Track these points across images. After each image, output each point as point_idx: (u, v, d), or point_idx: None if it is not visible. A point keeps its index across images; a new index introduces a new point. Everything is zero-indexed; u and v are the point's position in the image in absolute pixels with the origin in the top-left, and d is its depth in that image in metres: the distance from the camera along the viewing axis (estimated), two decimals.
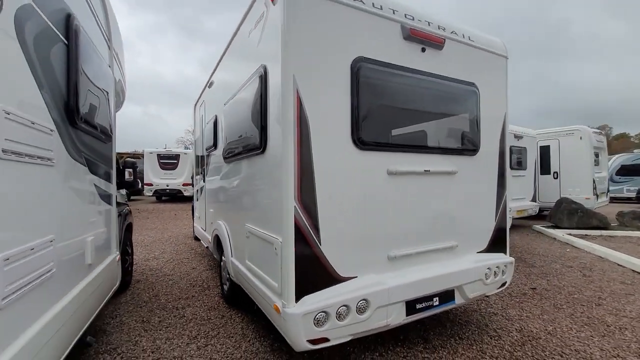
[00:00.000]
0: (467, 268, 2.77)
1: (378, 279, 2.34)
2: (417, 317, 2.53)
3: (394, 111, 2.60)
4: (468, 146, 2.98)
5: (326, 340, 2.11)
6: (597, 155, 10.04)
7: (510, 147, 8.72)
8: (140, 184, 4.39)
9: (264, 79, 2.36)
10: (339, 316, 2.13)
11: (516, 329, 3.18)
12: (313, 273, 2.13)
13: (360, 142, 2.31)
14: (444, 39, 2.74)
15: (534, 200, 9.48)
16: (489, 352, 2.76)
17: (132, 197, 18.53)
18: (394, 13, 2.48)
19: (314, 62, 2.14)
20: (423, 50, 2.64)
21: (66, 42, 1.85)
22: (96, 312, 2.45)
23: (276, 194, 2.18)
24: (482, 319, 3.41)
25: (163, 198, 17.54)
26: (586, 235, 7.63)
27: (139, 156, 19.56)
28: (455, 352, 2.77)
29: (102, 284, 2.50)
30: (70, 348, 1.93)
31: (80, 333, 2.13)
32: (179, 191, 16.19)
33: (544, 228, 8.54)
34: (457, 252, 2.87)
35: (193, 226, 7.18)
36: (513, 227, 9.59)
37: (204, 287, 4.36)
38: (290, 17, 2.04)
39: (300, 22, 2.07)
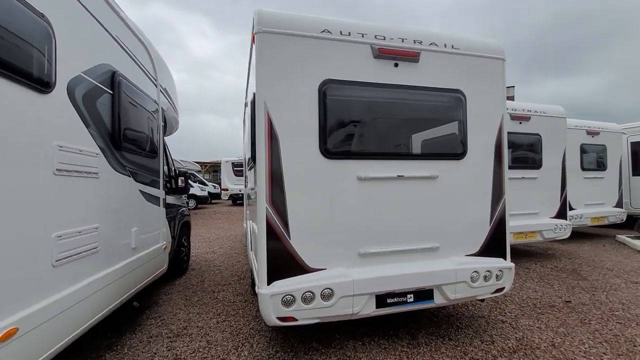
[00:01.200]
0: (447, 269, 2.86)
1: (345, 272, 2.65)
2: (388, 310, 2.75)
3: (363, 123, 2.89)
4: (451, 151, 3.06)
5: (294, 319, 2.52)
6: None
7: (581, 145, 7.70)
8: (189, 190, 5.40)
9: (252, 105, 2.91)
10: (305, 300, 2.52)
11: (516, 338, 3.08)
12: (283, 262, 2.57)
13: (328, 152, 2.68)
14: (419, 52, 2.92)
15: (619, 205, 8.12)
16: (470, 355, 2.80)
17: (212, 201, 21.24)
18: (363, 36, 2.79)
19: (283, 88, 2.60)
20: (396, 65, 2.88)
21: (111, 92, 2.69)
22: (142, 284, 3.30)
23: (258, 197, 2.69)
24: (484, 325, 3.36)
25: (237, 202, 19.64)
26: None
27: (219, 164, 22.27)
28: (437, 350, 2.88)
29: (146, 263, 3.35)
30: (116, 304, 2.74)
31: (126, 297, 2.95)
32: None
33: (629, 239, 7.29)
34: (440, 253, 2.97)
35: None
36: (587, 235, 8.38)
37: (240, 277, 5.11)
38: (260, 54, 2.55)
39: (268, 58, 2.56)
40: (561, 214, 6.13)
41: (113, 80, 2.71)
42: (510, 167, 5.52)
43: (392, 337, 3.12)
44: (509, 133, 5.51)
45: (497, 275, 3.03)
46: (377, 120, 2.93)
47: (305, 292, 2.52)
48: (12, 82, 1.67)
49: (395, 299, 2.77)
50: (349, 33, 2.76)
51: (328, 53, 2.71)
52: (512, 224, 5.46)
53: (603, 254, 6.40)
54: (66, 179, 2.08)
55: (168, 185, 4.71)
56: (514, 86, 26.69)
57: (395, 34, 2.89)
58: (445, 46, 3.02)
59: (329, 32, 2.71)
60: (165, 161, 4.79)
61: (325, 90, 2.68)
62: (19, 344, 1.63)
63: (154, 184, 3.64)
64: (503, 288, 3.08)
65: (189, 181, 5.08)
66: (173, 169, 4.97)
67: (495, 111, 3.18)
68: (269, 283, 2.53)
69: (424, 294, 2.85)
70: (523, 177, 5.83)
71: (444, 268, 2.86)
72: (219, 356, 2.84)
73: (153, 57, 3.65)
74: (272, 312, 2.48)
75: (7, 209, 1.64)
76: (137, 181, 3.18)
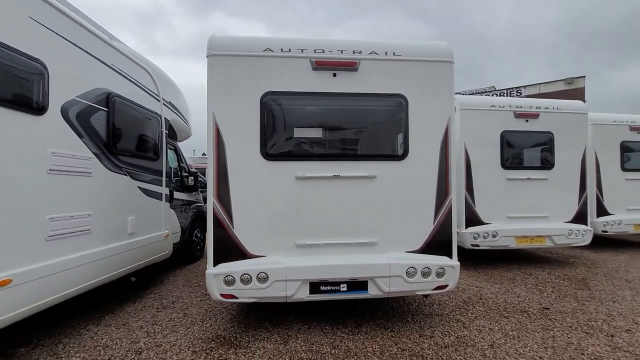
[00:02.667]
0: (380, 263, 3.05)
1: (280, 260, 3.02)
2: (322, 297, 3.05)
3: (303, 128, 3.23)
4: (391, 152, 3.23)
5: (234, 297, 2.98)
6: None
7: (622, 143, 6.88)
8: (199, 188, 6.15)
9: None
10: (243, 281, 2.95)
11: (458, 336, 3.14)
12: (227, 248, 3.04)
13: (268, 155, 3.08)
14: (358, 61, 3.16)
15: None
16: (400, 345, 2.96)
17: None
18: (302, 51, 3.13)
19: (229, 101, 3.07)
20: (334, 75, 3.16)
21: (106, 109, 3.43)
22: (140, 263, 4.04)
23: (207, 192, 3.15)
24: (435, 321, 3.44)
25: None
26: None
27: None
28: (372, 338, 3.09)
29: (144, 246, 4.08)
30: (111, 276, 3.48)
31: (122, 271, 3.69)
32: None
33: None
34: (378, 248, 3.17)
35: None
36: (630, 244, 7.39)
37: None
38: (210, 73, 3.05)
39: (216, 76, 3.05)
40: (579, 218, 5.63)
41: (108, 100, 3.45)
42: (510, 168, 5.35)
43: (339, 324, 3.38)
44: (508, 132, 5.36)
45: (437, 273, 3.12)
46: (316, 125, 3.25)
47: (243, 274, 2.95)
48: (12, 110, 2.40)
49: (329, 287, 3.05)
50: (289, 49, 3.13)
51: (269, 68, 3.11)
52: (514, 227, 5.27)
53: (635, 265, 5.69)
54: (58, 176, 2.81)
55: (179, 183, 5.51)
56: (584, 76, 23.77)
57: (334, 47, 3.18)
58: (386, 54, 3.21)
59: (270, 50, 3.11)
60: (177, 162, 5.60)
61: (266, 101, 3.09)
62: (12, 291, 2.34)
63: (154, 181, 4.38)
64: (446, 285, 3.16)
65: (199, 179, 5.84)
66: (186, 169, 5.77)
67: (441, 113, 3.26)
68: (214, 265, 3.02)
69: (358, 285, 3.08)
70: (529, 178, 5.50)
71: (377, 262, 3.06)
72: (187, 325, 3.41)
73: (155, 78, 4.41)
74: (215, 289, 2.96)
75: (11, 196, 2.38)
76: (135, 179, 3.93)
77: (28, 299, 2.49)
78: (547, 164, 5.62)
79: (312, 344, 2.99)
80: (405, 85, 3.23)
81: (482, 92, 25.18)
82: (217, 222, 3.03)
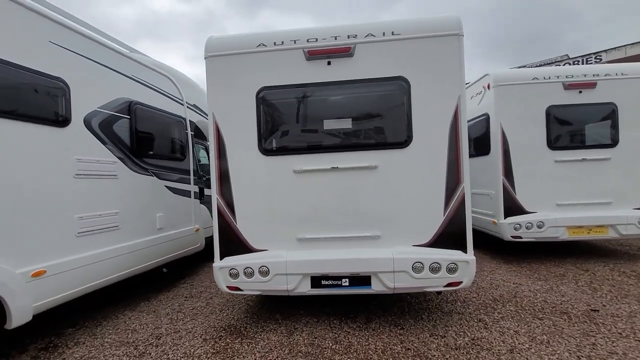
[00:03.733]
0: (383, 257, 2.90)
1: (281, 254, 3.05)
2: (324, 291, 3.01)
3: (299, 121, 3.16)
4: (393, 140, 3.02)
5: (239, 289, 3.09)
6: None
7: None
8: None
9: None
10: (246, 274, 3.05)
11: (474, 337, 2.86)
12: (232, 243, 3.15)
13: (266, 150, 3.11)
14: (352, 46, 3.00)
15: None
16: (405, 344, 2.80)
17: None
18: (295, 42, 3.07)
19: (227, 100, 3.14)
20: (329, 63, 3.05)
21: (128, 117, 3.77)
22: (171, 255, 4.41)
23: (212, 190, 3.27)
24: (455, 320, 3.19)
25: None
26: None
27: None
28: (379, 335, 2.98)
29: (174, 240, 4.44)
30: (142, 267, 3.86)
31: (154, 262, 4.06)
32: None
33: None
34: (381, 242, 3.02)
35: None
36: None
37: None
38: (208, 75, 3.15)
39: (214, 77, 3.13)
40: None
41: (130, 108, 3.78)
42: (559, 148, 4.68)
43: (349, 319, 3.32)
44: (556, 107, 4.66)
45: (449, 268, 2.87)
46: (313, 117, 3.17)
47: (246, 268, 3.05)
48: (39, 125, 2.77)
49: (330, 282, 3.00)
50: (282, 42, 3.09)
51: (264, 63, 3.11)
52: (565, 216, 4.62)
53: None
54: (85, 180, 3.17)
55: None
56: None
57: (327, 34, 3.05)
58: (384, 35, 3.00)
59: (264, 45, 3.10)
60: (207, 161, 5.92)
61: (262, 97, 3.10)
62: (46, 280, 2.73)
63: (182, 180, 4.72)
64: (460, 282, 2.90)
65: None
66: None
67: (449, 93, 2.95)
68: (221, 258, 3.16)
69: (361, 280, 2.98)
70: (584, 159, 4.73)
71: (380, 256, 2.92)
72: (206, 314, 3.64)
73: (177, 84, 4.72)
74: (222, 282, 3.10)
75: (42, 199, 2.76)
76: (162, 179, 4.27)
77: (61, 287, 2.88)
78: (609, 141, 4.77)
79: (315, 338, 2.98)
80: (406, 66, 2.98)
81: (551, 63, 22.21)
82: (222, 218, 3.16)
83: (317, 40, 3.05)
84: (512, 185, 4.81)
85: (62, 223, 2.95)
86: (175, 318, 3.58)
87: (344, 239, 3.06)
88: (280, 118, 3.19)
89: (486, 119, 5.12)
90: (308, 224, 3.09)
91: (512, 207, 4.81)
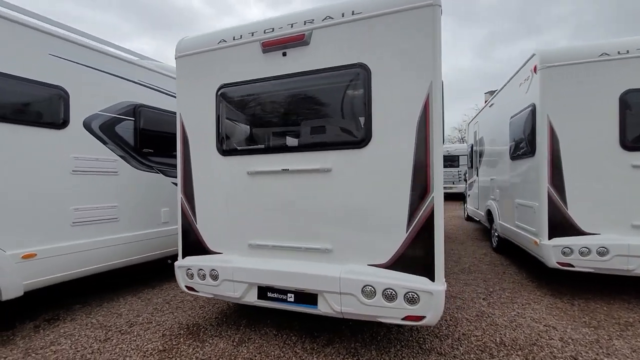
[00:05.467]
0: (329, 275, 2.51)
1: (229, 259, 2.90)
2: (270, 304, 2.76)
3: (254, 119, 2.94)
4: (348, 139, 2.57)
5: (195, 290, 3.06)
6: None
7: None
8: None
9: None
10: (200, 276, 3.00)
11: None
12: (192, 242, 3.14)
13: (223, 150, 2.99)
14: (308, 32, 2.65)
15: None
16: None
17: None
18: (252, 35, 2.87)
19: (192, 99, 3.13)
20: (284, 54, 2.76)
21: (133, 119, 4.10)
22: (175, 248, 4.67)
23: (177, 189, 3.32)
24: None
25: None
26: None
27: None
28: (353, 354, 2.60)
29: None
30: (144, 257, 4.18)
31: (157, 253, 4.37)
32: None
33: None
34: (332, 257, 2.62)
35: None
36: None
37: None
38: (177, 75, 3.19)
39: (182, 76, 3.16)
40: None
41: (134, 110, 4.11)
42: (638, 149, 3.42)
43: (309, 338, 3.00)
44: (637, 92, 3.41)
45: (408, 298, 2.33)
46: (268, 114, 2.92)
47: (199, 270, 3.00)
48: (38, 127, 3.20)
49: (275, 295, 2.74)
50: (241, 36, 2.92)
51: (224, 60, 3.00)
52: None
53: None
54: (81, 175, 3.56)
55: None
56: None
57: (283, 22, 2.77)
58: (342, 15, 2.58)
59: (224, 41, 2.99)
60: None
61: (220, 95, 3.00)
62: (36, 262, 3.14)
63: None
64: (421, 317, 2.32)
65: None
66: None
67: (418, 80, 2.37)
68: (182, 257, 3.18)
69: (306, 297, 2.64)
70: None
71: (326, 273, 2.53)
72: (185, 309, 3.74)
73: None
74: (181, 281, 3.13)
75: (39, 191, 3.20)
76: (168, 176, 4.56)
77: (53, 269, 3.29)
78: None
79: (259, 353, 2.75)
80: (367, 50, 2.50)
81: None
82: (184, 218, 3.18)
83: (273, 30, 2.80)
84: (562, 196, 3.69)
85: (57, 213, 3.35)
86: (159, 309, 3.77)
87: (294, 250, 2.75)
88: (237, 116, 3.03)
89: (532, 110, 4.04)
90: (259, 230, 2.87)
91: (562, 225, 3.69)
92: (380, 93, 2.47)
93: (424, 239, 2.35)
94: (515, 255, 5.63)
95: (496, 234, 5.93)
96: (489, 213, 6.34)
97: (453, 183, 16.84)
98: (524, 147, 4.34)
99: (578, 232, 3.65)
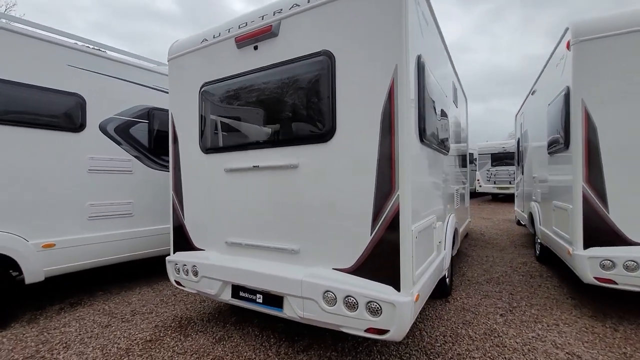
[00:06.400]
0: (292, 278, 2.37)
1: (206, 256, 2.92)
2: (242, 304, 2.72)
3: (230, 116, 2.90)
4: (313, 132, 2.39)
5: (181, 285, 3.15)
6: None
7: None
8: None
9: None
10: (184, 272, 3.08)
11: None
12: (182, 238, 3.23)
13: (204, 148, 3.03)
14: (276, 23, 2.55)
15: None
16: None
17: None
18: (229, 32, 2.86)
19: (180, 98, 3.23)
20: (255, 48, 2.70)
21: (147, 121, 4.39)
22: None
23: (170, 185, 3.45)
24: None
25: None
26: None
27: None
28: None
29: None
30: (155, 251, 4.46)
31: (169, 248, 4.63)
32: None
33: None
34: (299, 258, 2.47)
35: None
36: None
37: None
38: (169, 76, 3.32)
39: (173, 77, 3.28)
40: None
41: (149, 113, 4.40)
42: None
43: (287, 341, 2.89)
44: None
45: (370, 308, 2.10)
46: (243, 111, 2.86)
47: (184, 265, 3.08)
48: (56, 131, 3.58)
49: (247, 295, 2.68)
50: (219, 34, 2.93)
51: (206, 58, 3.04)
52: None
53: None
54: (98, 174, 3.90)
55: None
56: None
57: (255, 16, 2.71)
58: (308, 1, 2.42)
59: (206, 40, 3.03)
60: None
61: (202, 93, 3.04)
62: (55, 251, 3.52)
63: None
64: (385, 330, 2.06)
65: None
66: None
67: (381, 64, 2.12)
68: (174, 252, 3.30)
69: (273, 300, 2.53)
70: None
71: (290, 276, 2.40)
72: (188, 302, 3.89)
73: None
74: (171, 275, 3.25)
75: (58, 188, 3.58)
76: None
77: (70, 258, 3.65)
78: None
79: (232, 352, 2.72)
80: (331, 36, 2.32)
81: None
82: (175, 213, 3.30)
83: (246, 24, 2.75)
84: (602, 197, 3.03)
85: (74, 208, 3.72)
86: (165, 301, 3.97)
87: (265, 249, 2.66)
88: (215, 114, 3.04)
89: (565, 95, 3.40)
90: (235, 227, 2.85)
91: (601, 232, 3.04)
92: (344, 81, 2.26)
93: (389, 241, 2.09)
94: (560, 267, 4.82)
95: (538, 241, 5.15)
96: (531, 216, 5.54)
97: (510, 183, 15.19)
98: (558, 139, 3.68)
99: (623, 241, 2.96)
